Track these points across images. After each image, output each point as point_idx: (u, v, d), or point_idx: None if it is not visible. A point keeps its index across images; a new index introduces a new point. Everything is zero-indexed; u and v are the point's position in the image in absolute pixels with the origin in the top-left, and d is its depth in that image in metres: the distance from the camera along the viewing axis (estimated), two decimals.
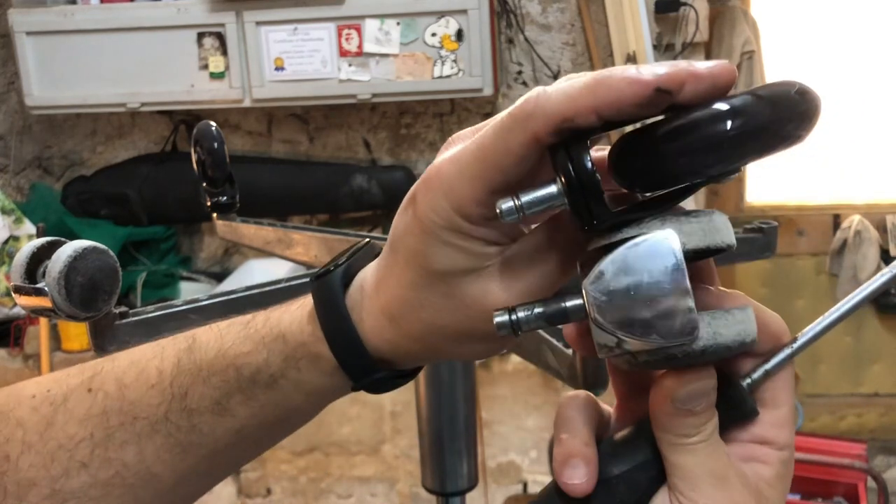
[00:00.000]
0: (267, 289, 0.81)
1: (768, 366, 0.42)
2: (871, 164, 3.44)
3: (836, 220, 3.41)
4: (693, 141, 0.36)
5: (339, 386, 0.48)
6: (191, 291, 3.23)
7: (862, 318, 3.44)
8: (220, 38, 2.92)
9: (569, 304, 0.40)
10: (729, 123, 0.35)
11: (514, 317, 0.40)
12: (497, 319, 0.41)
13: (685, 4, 2.98)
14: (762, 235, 0.94)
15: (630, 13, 2.92)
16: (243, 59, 2.91)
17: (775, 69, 3.30)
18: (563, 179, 0.38)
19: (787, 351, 0.43)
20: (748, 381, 0.42)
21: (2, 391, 0.52)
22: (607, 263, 0.37)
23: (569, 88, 0.37)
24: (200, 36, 2.93)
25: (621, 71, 0.36)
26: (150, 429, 0.48)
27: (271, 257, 1.74)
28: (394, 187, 3.19)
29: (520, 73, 3.22)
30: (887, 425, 3.36)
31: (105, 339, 0.73)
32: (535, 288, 0.43)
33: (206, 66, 2.95)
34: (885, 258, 3.32)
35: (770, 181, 3.51)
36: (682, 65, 0.36)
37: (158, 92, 3.00)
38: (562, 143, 0.38)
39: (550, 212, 0.40)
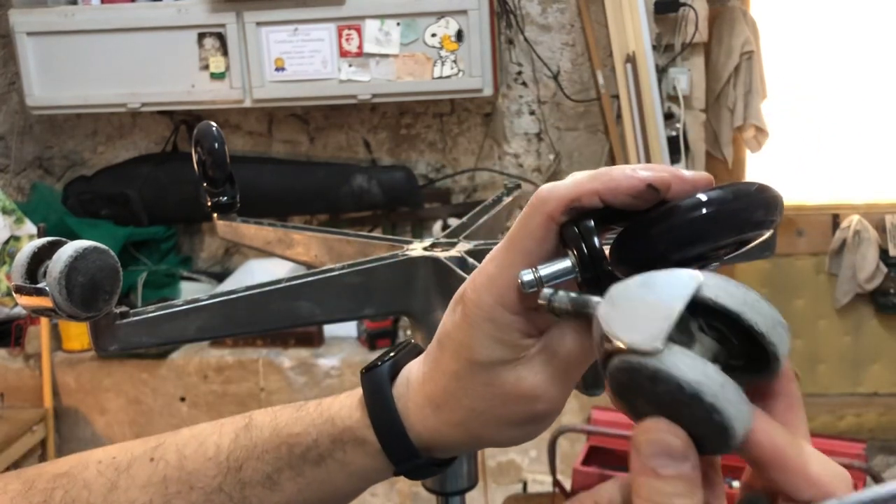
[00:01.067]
0: (267, 288, 0.82)
1: None
2: (870, 164, 3.44)
3: (836, 220, 3.41)
4: (675, 223, 0.42)
5: (381, 469, 0.53)
6: (191, 291, 3.23)
7: (861, 318, 3.45)
8: (221, 38, 2.92)
9: (592, 309, 0.43)
10: (704, 209, 0.42)
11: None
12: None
13: (685, 5, 2.98)
14: None
15: (629, 13, 2.92)
16: (244, 59, 2.92)
17: (775, 69, 3.30)
18: (573, 252, 0.44)
19: None
20: None
21: (73, 456, 0.56)
22: (618, 284, 0.41)
23: (576, 176, 0.45)
24: (201, 36, 2.94)
25: (621, 168, 0.44)
26: (205, 498, 0.53)
27: (272, 257, 1.75)
28: (394, 187, 3.19)
29: (520, 73, 3.23)
30: (886, 425, 3.36)
31: (105, 339, 0.74)
32: (563, 374, 0.48)
33: (206, 67, 2.95)
34: (885, 258, 3.32)
35: (769, 181, 3.51)
36: (670, 169, 0.43)
37: (159, 92, 3.00)
38: (572, 220, 0.45)
39: (566, 282, 0.45)
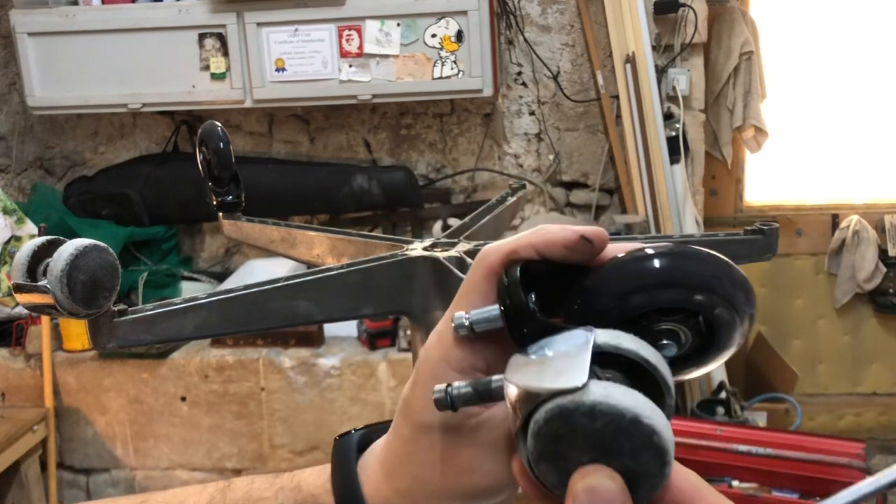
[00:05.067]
0: (265, 287, 0.82)
1: None
2: (869, 164, 3.44)
3: (835, 220, 3.41)
4: (610, 268, 0.43)
5: None
6: (192, 291, 3.24)
7: (860, 318, 3.45)
8: (222, 39, 2.93)
9: (494, 384, 0.44)
10: (641, 258, 0.42)
11: (450, 391, 0.44)
12: (435, 396, 0.44)
13: (684, 5, 2.99)
14: (763, 237, 0.94)
15: (629, 14, 2.93)
16: (244, 59, 2.92)
17: (774, 70, 3.30)
18: (500, 300, 0.44)
19: None
20: None
21: None
22: (516, 354, 0.43)
23: (520, 233, 0.46)
24: (202, 37, 2.94)
25: (560, 226, 0.45)
26: None
27: (272, 257, 1.75)
28: (394, 187, 3.19)
29: (519, 73, 3.23)
30: (885, 424, 3.37)
31: (104, 337, 0.74)
32: (502, 449, 0.47)
33: (207, 67, 2.96)
34: (884, 258, 3.32)
35: (769, 181, 3.51)
36: (601, 229, 0.44)
37: (160, 93, 3.01)
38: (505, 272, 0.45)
39: (495, 329, 0.45)
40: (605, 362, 0.40)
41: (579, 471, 0.38)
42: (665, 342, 0.44)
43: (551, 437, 0.38)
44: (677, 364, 0.45)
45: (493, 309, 0.45)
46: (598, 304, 0.43)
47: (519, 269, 0.44)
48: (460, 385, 0.44)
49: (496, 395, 0.43)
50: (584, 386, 0.37)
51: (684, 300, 0.42)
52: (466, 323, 0.45)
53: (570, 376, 0.38)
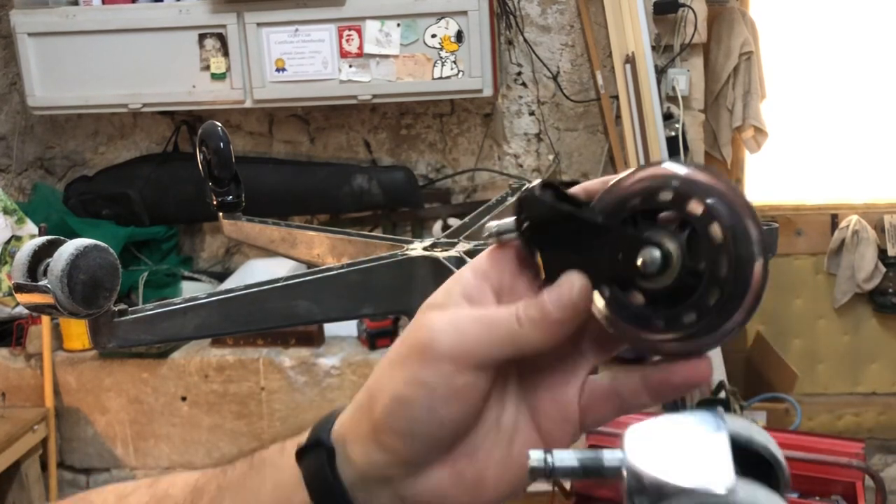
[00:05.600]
0: (265, 287, 0.82)
1: None
2: (868, 164, 3.44)
3: (834, 220, 3.41)
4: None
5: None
6: (192, 291, 3.24)
7: (860, 318, 3.45)
8: (222, 39, 2.93)
9: (607, 462, 0.40)
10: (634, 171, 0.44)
11: (550, 460, 0.40)
12: (532, 464, 0.40)
13: (684, 5, 2.99)
14: None
15: (629, 14, 2.93)
16: (244, 60, 2.93)
17: (774, 70, 3.31)
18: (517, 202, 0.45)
19: None
20: None
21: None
22: (633, 427, 0.39)
23: None
24: (202, 37, 2.94)
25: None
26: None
27: (273, 257, 1.75)
28: (394, 187, 3.20)
29: (519, 73, 3.23)
30: (885, 424, 3.36)
31: (104, 336, 0.75)
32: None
33: (207, 67, 2.96)
34: (883, 258, 3.32)
35: (768, 181, 3.51)
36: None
37: (160, 93, 3.01)
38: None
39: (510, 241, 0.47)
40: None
41: None
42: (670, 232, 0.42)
43: None
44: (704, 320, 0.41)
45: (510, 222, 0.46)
46: (609, 197, 0.43)
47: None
48: (565, 456, 0.40)
49: (607, 474, 0.39)
50: (731, 490, 0.35)
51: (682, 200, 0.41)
52: (494, 230, 0.46)
53: (715, 476, 0.35)
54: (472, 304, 0.46)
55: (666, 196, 0.41)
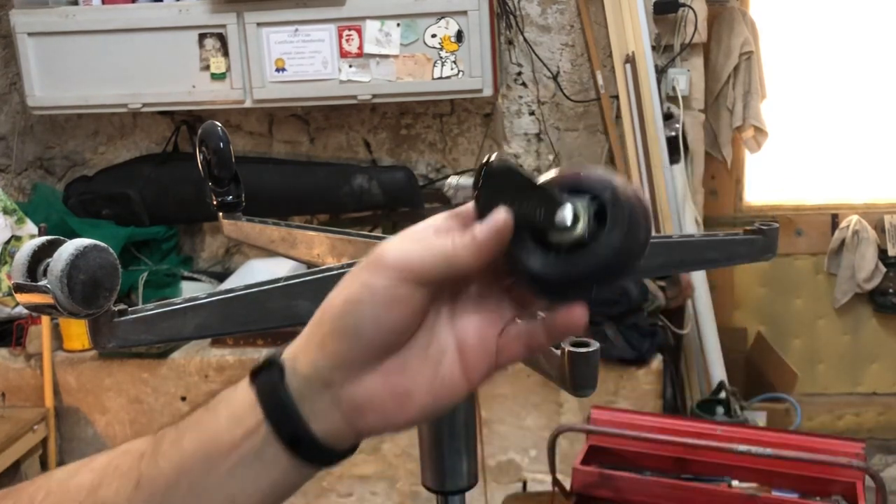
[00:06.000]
0: (265, 287, 0.82)
1: None
2: (869, 164, 3.45)
3: (835, 220, 3.41)
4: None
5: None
6: (192, 291, 3.23)
7: (860, 318, 3.45)
8: (222, 39, 2.93)
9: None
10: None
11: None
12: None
13: (684, 5, 2.99)
14: (762, 237, 0.94)
15: (629, 14, 2.93)
16: (244, 60, 2.93)
17: (774, 70, 3.31)
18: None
19: None
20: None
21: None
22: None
23: None
24: (202, 37, 2.94)
25: None
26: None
27: (273, 257, 1.75)
28: (394, 187, 3.20)
29: (519, 73, 3.23)
30: (885, 424, 3.37)
31: (104, 337, 0.74)
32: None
33: (207, 67, 2.96)
34: (883, 258, 3.33)
35: (768, 181, 3.52)
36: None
37: (160, 93, 3.01)
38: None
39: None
40: None
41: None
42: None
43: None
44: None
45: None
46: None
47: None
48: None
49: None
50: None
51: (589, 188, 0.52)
52: (455, 183, 0.54)
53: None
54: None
55: (586, 183, 0.53)
